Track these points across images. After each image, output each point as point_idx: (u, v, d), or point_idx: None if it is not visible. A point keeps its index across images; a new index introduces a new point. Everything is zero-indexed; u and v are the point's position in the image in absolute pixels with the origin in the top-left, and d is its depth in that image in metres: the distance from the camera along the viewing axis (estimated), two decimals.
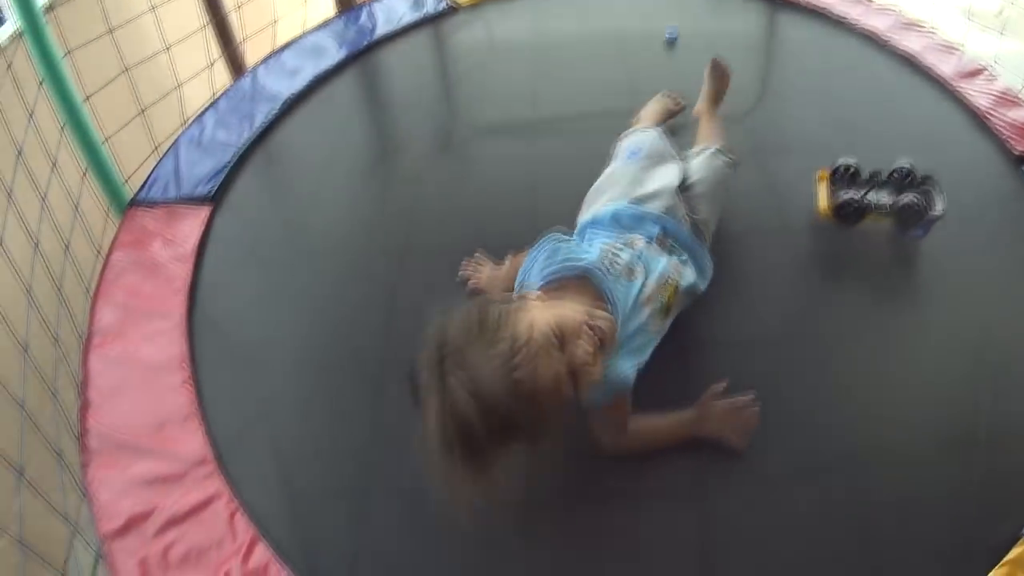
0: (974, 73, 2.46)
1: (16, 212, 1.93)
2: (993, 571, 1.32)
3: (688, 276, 1.55)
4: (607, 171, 1.80)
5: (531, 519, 1.40)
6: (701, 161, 1.79)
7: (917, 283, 1.80)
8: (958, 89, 2.39)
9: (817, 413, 1.54)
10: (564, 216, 1.81)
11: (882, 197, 1.83)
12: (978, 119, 2.27)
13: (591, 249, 1.49)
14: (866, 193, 1.84)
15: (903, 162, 1.86)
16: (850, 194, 1.82)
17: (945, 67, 2.49)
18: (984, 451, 1.49)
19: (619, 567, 1.37)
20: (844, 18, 2.73)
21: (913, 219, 1.79)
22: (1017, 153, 2.14)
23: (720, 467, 1.46)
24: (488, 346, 1.14)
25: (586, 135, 2.24)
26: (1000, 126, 2.22)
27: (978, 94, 2.36)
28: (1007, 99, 2.34)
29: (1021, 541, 1.35)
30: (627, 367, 1.37)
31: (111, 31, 2.32)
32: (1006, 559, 1.33)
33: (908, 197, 1.78)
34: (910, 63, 2.53)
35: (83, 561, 1.85)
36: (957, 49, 2.59)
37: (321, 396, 1.67)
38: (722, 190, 1.77)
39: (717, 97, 2.14)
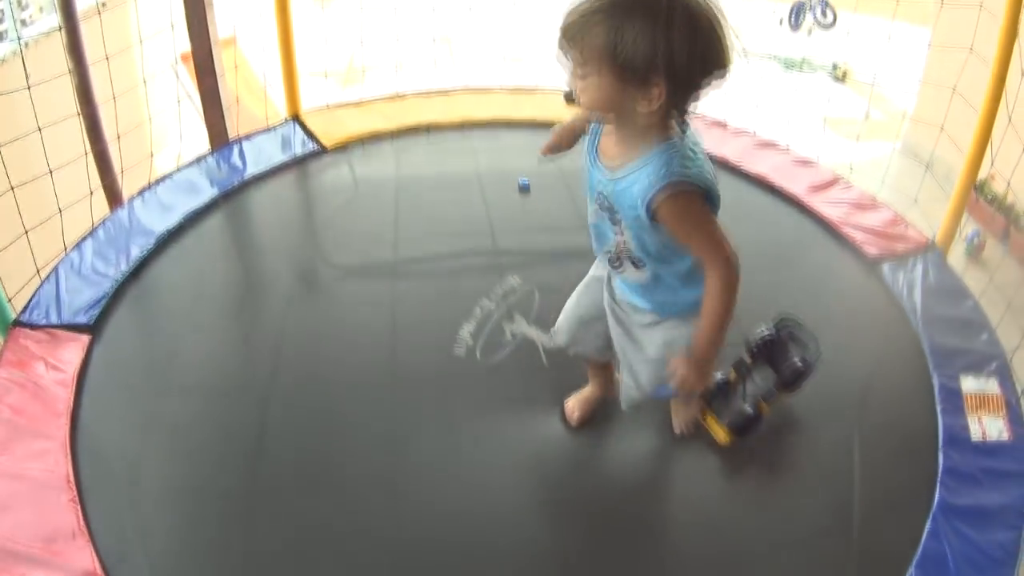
0: (828, 184, 2.65)
1: None
2: None
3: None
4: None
5: None
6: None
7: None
8: (809, 203, 2.57)
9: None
10: (424, 355, 2.18)
11: (760, 383, 1.81)
12: (831, 229, 2.44)
13: None
14: (744, 392, 1.80)
15: (758, 333, 1.87)
16: (736, 410, 1.78)
17: (798, 183, 2.66)
18: None
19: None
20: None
21: (796, 384, 1.82)
22: (870, 257, 2.30)
23: None
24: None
25: (444, 276, 2.55)
26: (853, 233, 2.38)
27: (830, 204, 2.54)
28: (861, 204, 2.51)
29: None
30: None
31: None
32: None
33: (773, 385, 1.80)
34: (763, 183, 2.70)
35: None
36: (812, 162, 2.78)
37: (194, 521, 1.84)
38: None
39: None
